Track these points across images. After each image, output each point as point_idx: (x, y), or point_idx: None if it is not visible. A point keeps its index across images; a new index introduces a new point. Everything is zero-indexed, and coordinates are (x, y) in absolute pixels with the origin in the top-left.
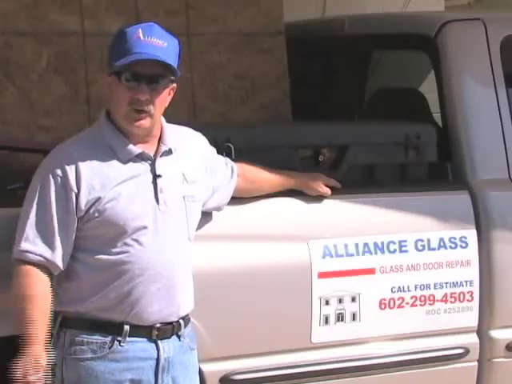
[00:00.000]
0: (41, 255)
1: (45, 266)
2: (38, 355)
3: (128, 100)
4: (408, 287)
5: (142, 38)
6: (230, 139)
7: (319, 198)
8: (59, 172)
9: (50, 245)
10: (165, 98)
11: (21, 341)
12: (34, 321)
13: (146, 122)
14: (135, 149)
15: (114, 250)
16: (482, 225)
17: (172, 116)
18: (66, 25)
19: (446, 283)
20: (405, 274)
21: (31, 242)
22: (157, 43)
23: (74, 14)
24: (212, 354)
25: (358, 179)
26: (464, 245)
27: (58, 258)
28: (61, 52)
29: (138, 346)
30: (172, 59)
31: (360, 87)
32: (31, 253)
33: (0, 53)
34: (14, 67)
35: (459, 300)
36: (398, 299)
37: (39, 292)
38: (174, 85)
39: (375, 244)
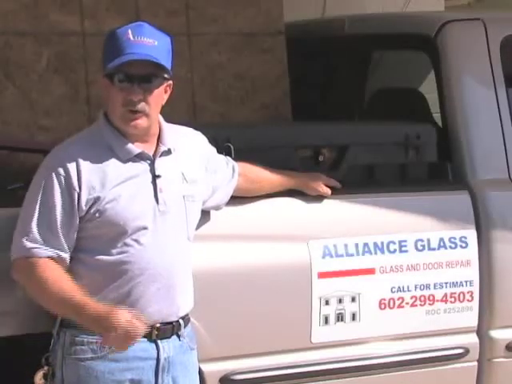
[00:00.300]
0: (49, 251)
1: (55, 261)
2: (105, 310)
3: (121, 101)
4: (408, 287)
5: (132, 38)
6: (230, 139)
7: (319, 197)
8: (61, 171)
9: (55, 243)
10: (160, 96)
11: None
12: (82, 300)
13: (142, 122)
14: (134, 148)
15: (114, 251)
16: (482, 225)
17: (172, 116)
18: (66, 25)
19: (446, 283)
20: (405, 274)
21: (38, 241)
22: (147, 42)
23: (74, 13)
24: (212, 354)
25: (358, 179)
26: (464, 245)
27: (63, 254)
28: (61, 52)
29: (138, 346)
30: (164, 58)
31: (360, 87)
32: (39, 249)
33: (0, 53)
34: (14, 67)
35: (459, 300)
36: (398, 299)
37: (64, 276)
38: (170, 82)
39: (375, 244)
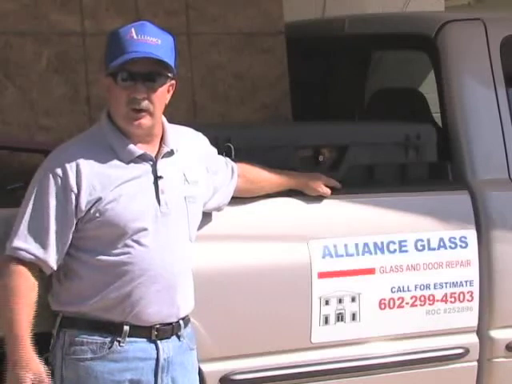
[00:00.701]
0: (33, 254)
1: (36, 265)
2: (30, 359)
3: (125, 100)
4: (408, 287)
5: (135, 37)
6: (231, 139)
7: (319, 197)
8: (59, 172)
9: (43, 244)
10: (163, 95)
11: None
12: (18, 319)
13: (146, 121)
14: (137, 150)
15: (114, 251)
16: (482, 225)
17: (172, 116)
18: (66, 25)
19: (446, 283)
20: (405, 274)
21: (24, 240)
22: (150, 41)
23: (74, 13)
24: (212, 354)
25: (358, 179)
26: (464, 245)
27: (50, 257)
28: (61, 52)
29: (138, 347)
30: (167, 56)
31: (360, 87)
32: (23, 250)
33: (0, 53)
34: (14, 67)
35: (459, 300)
36: (398, 299)
37: (23, 289)
38: (173, 82)
39: (375, 244)
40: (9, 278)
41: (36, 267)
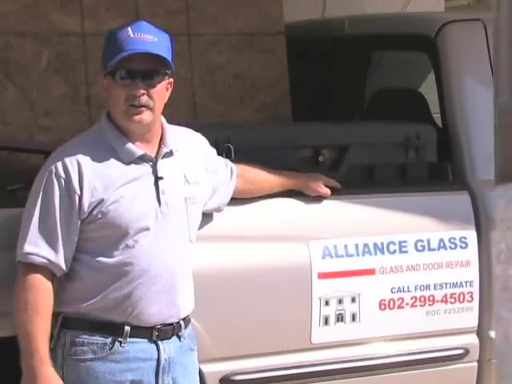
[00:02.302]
0: (45, 257)
1: (48, 269)
2: (51, 375)
3: (124, 97)
4: (408, 288)
5: (132, 35)
6: (230, 139)
7: (319, 198)
8: (62, 174)
9: (54, 247)
10: (162, 92)
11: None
12: (39, 334)
13: (146, 117)
14: (137, 150)
15: (115, 252)
16: (482, 225)
17: (172, 116)
18: (66, 25)
19: (446, 284)
20: (405, 275)
21: (35, 245)
22: (147, 39)
23: (74, 13)
24: (212, 355)
25: (358, 179)
26: (464, 245)
27: (61, 260)
28: (61, 52)
29: (139, 347)
30: (164, 53)
31: (360, 87)
32: (35, 255)
33: (0, 53)
34: (14, 67)
35: (459, 300)
36: (398, 300)
37: (44, 303)
38: (171, 79)
39: (375, 244)
40: (29, 293)
41: (49, 271)
